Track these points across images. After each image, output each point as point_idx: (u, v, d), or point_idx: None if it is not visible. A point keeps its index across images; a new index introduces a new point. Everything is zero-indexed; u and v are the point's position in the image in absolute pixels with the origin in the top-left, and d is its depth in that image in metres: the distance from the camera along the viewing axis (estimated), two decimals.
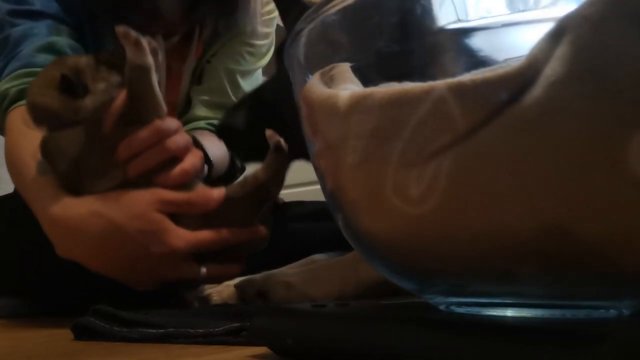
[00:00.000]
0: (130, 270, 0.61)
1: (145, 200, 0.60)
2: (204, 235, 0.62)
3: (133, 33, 0.57)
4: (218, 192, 0.63)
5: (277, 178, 0.64)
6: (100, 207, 0.60)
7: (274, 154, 0.64)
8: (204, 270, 0.63)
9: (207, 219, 0.62)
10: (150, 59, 0.59)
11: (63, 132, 0.60)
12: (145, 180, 0.62)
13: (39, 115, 0.61)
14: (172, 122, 0.63)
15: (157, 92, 0.61)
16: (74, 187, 0.62)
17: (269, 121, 0.65)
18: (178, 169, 0.62)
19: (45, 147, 0.62)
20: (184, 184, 0.63)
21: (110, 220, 0.60)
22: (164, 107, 0.62)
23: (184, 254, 0.61)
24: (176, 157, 0.63)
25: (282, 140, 0.64)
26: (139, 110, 0.60)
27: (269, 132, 0.64)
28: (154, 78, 0.60)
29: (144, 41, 0.58)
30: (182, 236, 0.61)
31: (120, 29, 0.57)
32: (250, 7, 0.99)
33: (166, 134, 0.61)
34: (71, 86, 0.58)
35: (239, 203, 0.63)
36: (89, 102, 0.59)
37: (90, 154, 0.60)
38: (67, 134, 0.60)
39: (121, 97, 0.60)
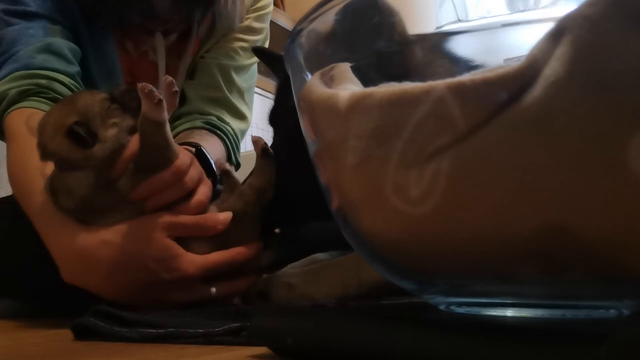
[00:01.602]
0: (141, 296, 0.61)
1: (154, 226, 0.60)
2: (214, 257, 0.62)
3: (156, 92, 0.57)
4: (225, 216, 0.63)
5: (270, 180, 0.65)
6: (110, 237, 0.60)
7: (263, 158, 0.66)
8: (213, 289, 0.63)
9: (215, 237, 0.63)
10: (165, 114, 0.59)
11: (71, 173, 0.60)
12: (155, 209, 0.62)
13: (48, 156, 0.61)
14: (186, 158, 0.63)
15: (170, 142, 0.61)
16: (83, 221, 0.61)
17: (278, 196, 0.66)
18: (194, 201, 0.64)
19: (52, 186, 0.61)
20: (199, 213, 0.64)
21: (121, 249, 0.60)
22: (177, 151, 0.62)
23: (196, 278, 0.61)
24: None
25: (266, 143, 0.66)
26: (151, 160, 0.60)
27: (254, 138, 0.67)
28: (168, 130, 0.60)
29: (164, 100, 0.58)
30: (193, 261, 0.61)
31: (144, 87, 0.56)
32: (241, 4, 0.98)
33: (185, 173, 0.62)
34: (79, 138, 0.58)
35: (242, 214, 0.64)
36: (98, 151, 0.59)
37: (99, 195, 0.60)
38: (75, 175, 0.60)
39: (133, 144, 0.60)
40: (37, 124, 0.61)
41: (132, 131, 0.61)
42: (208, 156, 0.82)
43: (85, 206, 0.60)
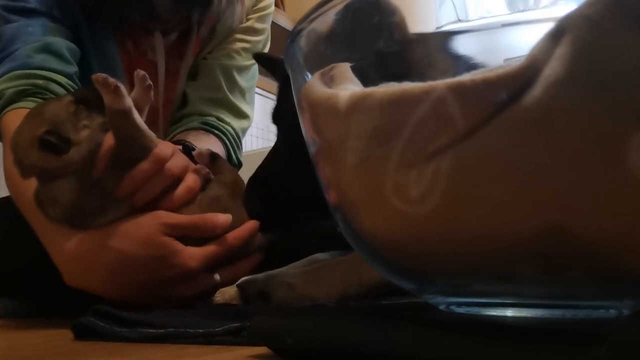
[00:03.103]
0: (146, 294, 0.61)
1: (150, 225, 0.60)
2: (214, 248, 0.62)
3: (112, 80, 0.57)
4: (224, 218, 0.63)
5: (235, 174, 0.68)
6: (107, 240, 0.60)
7: (216, 163, 0.67)
8: (217, 277, 0.63)
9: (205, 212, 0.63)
10: (128, 101, 0.59)
11: (54, 182, 0.60)
12: (151, 206, 0.62)
13: (27, 172, 0.60)
14: (167, 148, 0.63)
15: (143, 129, 0.61)
16: (76, 226, 0.61)
17: (269, 197, 0.66)
18: (183, 187, 0.63)
19: (38, 198, 0.61)
20: (190, 201, 0.63)
21: (119, 252, 0.59)
22: (154, 137, 0.62)
23: (199, 272, 0.61)
24: (177, 179, 0.63)
25: (208, 150, 0.69)
26: (129, 152, 0.60)
27: (196, 153, 0.68)
28: (137, 117, 0.60)
29: (122, 86, 0.58)
30: (193, 255, 0.61)
31: (98, 77, 0.57)
32: (241, 4, 0.99)
33: (165, 160, 0.62)
34: (53, 146, 0.58)
35: (228, 199, 0.64)
36: (74, 154, 0.59)
37: (87, 198, 0.60)
38: (59, 183, 0.60)
39: (108, 140, 0.60)
40: (10, 141, 0.61)
41: (106, 128, 0.60)
42: (196, 149, 0.81)
43: (75, 212, 0.60)
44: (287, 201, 0.66)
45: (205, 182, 0.66)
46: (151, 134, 0.62)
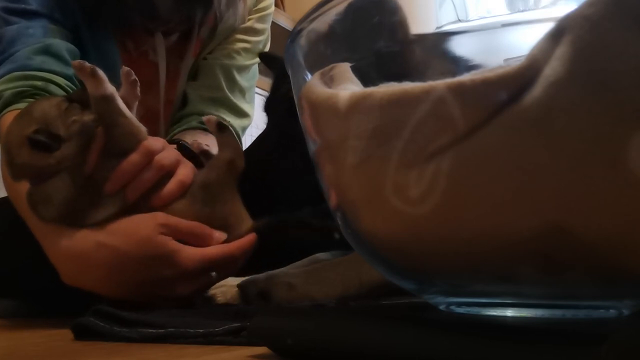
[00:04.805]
0: (143, 293, 0.61)
1: (147, 224, 0.60)
2: (213, 252, 0.62)
3: (87, 64, 0.57)
4: (218, 235, 0.63)
5: (236, 150, 0.66)
6: (104, 238, 0.60)
7: (221, 132, 0.66)
8: (214, 273, 0.63)
9: (201, 211, 0.63)
10: (109, 87, 0.59)
11: (47, 181, 0.59)
12: (143, 201, 0.62)
13: (19, 173, 0.60)
14: (157, 141, 0.63)
15: (129, 117, 0.61)
16: (71, 224, 0.61)
17: (255, 183, 0.66)
18: (174, 181, 0.63)
19: (31, 200, 0.61)
20: (181, 194, 0.63)
21: (116, 250, 0.59)
22: (143, 129, 0.62)
23: (195, 273, 0.61)
24: (169, 173, 0.63)
25: (217, 117, 0.67)
26: (117, 140, 0.60)
27: (205, 118, 0.67)
28: (121, 104, 0.60)
29: (100, 71, 0.58)
30: (191, 256, 0.61)
31: (74, 63, 0.57)
32: (242, 5, 0.99)
33: (154, 152, 0.62)
34: (43, 144, 0.58)
35: (217, 185, 0.64)
36: (66, 150, 0.58)
37: (80, 193, 0.60)
38: (52, 182, 0.59)
39: (99, 132, 0.60)
40: (1, 143, 0.61)
41: (97, 124, 0.60)
42: (191, 148, 0.81)
43: (69, 210, 0.60)
44: (270, 186, 0.66)
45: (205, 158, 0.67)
46: (140, 125, 0.62)
